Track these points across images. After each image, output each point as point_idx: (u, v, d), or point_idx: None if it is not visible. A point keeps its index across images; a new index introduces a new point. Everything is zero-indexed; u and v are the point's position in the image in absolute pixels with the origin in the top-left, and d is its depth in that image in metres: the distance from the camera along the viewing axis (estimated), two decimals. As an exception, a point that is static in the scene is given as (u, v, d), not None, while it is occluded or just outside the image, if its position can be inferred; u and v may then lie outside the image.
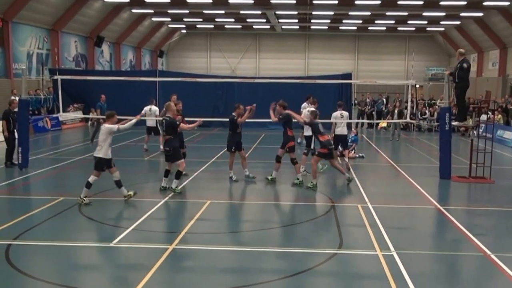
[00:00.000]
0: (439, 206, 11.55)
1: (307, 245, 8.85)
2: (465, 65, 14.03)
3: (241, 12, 39.00)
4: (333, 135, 15.78)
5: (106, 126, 11.05)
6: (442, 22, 42.21)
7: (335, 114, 16.32)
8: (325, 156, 13.24)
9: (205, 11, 39.14)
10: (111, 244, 8.57)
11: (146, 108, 18.65)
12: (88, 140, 21.39)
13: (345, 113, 16.56)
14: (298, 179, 13.70)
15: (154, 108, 19.12)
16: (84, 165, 16.23)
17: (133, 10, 39.09)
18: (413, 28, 46.41)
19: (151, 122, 19.06)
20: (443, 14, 37.56)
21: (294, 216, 11.02)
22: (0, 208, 11.10)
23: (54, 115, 26.36)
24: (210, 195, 12.10)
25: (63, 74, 21.98)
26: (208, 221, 10.39)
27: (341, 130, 16.18)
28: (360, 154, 18.89)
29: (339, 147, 16.30)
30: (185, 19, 44.20)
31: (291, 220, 10.69)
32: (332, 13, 38.52)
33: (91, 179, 11.01)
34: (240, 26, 48.06)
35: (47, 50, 31.91)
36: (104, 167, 11.12)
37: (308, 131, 14.86)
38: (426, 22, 42.23)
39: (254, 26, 47.80)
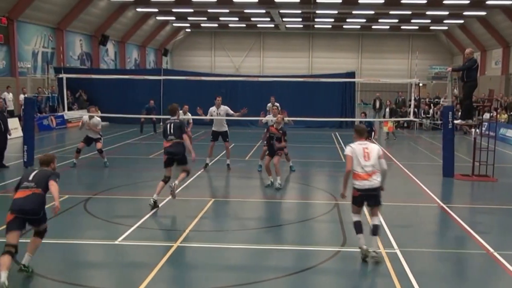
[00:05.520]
0: (442, 204, 11.57)
1: (310, 242, 8.91)
2: (474, 65, 14.30)
3: (246, 11, 39.10)
4: None
5: None
6: (445, 21, 42.16)
7: None
8: None
9: (209, 10, 39.25)
10: (116, 242, 8.64)
11: (212, 109, 15.37)
12: None
13: None
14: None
15: (224, 108, 15.32)
16: (88, 163, 16.32)
17: (138, 9, 39.28)
18: (417, 27, 46.31)
19: (220, 126, 15.45)
20: (446, 13, 37.54)
21: (297, 214, 11.05)
22: (4, 207, 11.04)
23: (59, 114, 26.33)
24: (214, 193, 12.11)
25: (68, 72, 22.00)
26: (212, 219, 10.48)
27: None
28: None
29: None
30: (189, 18, 44.34)
31: (294, 218, 10.70)
32: (336, 12, 38.53)
33: None
34: (244, 25, 48.09)
35: (52, 48, 32.01)
36: None
37: None
38: (429, 20, 42.14)
39: (258, 25, 47.84)
